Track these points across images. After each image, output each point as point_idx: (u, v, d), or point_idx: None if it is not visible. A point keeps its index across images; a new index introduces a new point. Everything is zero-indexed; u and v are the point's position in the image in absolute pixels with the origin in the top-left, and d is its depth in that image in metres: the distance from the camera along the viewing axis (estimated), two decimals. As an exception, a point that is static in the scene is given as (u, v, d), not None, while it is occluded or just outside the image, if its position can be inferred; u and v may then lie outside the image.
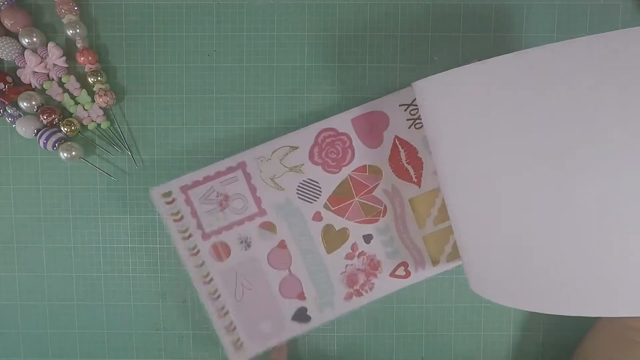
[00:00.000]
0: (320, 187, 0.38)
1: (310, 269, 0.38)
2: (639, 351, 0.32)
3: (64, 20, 0.37)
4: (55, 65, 0.38)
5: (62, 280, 0.40)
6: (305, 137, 0.38)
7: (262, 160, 0.37)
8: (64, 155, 0.38)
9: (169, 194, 0.37)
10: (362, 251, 0.38)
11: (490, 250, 0.29)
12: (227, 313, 0.38)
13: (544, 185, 0.26)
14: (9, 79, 0.38)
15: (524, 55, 0.25)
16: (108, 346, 0.41)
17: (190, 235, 0.37)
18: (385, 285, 0.38)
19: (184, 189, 0.37)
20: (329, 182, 0.38)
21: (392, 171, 0.38)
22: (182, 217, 0.37)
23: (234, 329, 0.38)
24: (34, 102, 0.38)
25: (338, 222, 0.38)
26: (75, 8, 0.37)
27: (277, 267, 0.38)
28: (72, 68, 0.39)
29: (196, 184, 0.37)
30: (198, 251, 0.38)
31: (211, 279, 0.38)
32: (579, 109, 0.24)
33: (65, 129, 0.38)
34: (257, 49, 0.39)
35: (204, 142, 0.39)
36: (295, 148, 0.37)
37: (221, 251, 0.38)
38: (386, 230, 0.38)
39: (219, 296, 0.38)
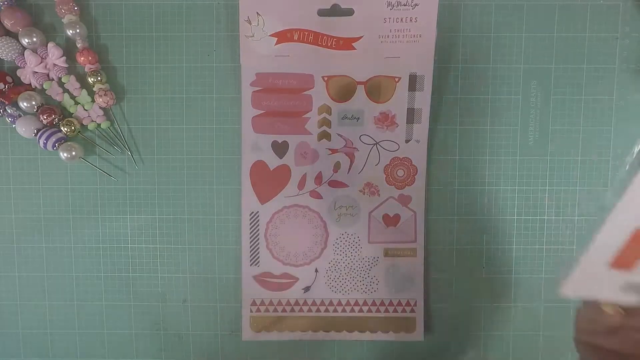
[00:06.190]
0: None
1: None
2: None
3: (64, 20, 0.37)
4: (55, 65, 0.38)
5: (62, 280, 0.40)
6: None
7: None
8: (64, 155, 0.38)
9: None
10: None
11: None
12: None
13: None
14: (9, 79, 0.38)
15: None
16: (108, 346, 0.41)
17: None
18: None
19: None
20: None
21: None
22: None
23: None
24: (34, 102, 0.38)
25: None
26: (75, 8, 0.37)
27: None
28: (72, 68, 0.39)
29: None
30: None
31: None
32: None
33: (65, 129, 0.38)
34: (257, 49, 0.39)
35: (203, 142, 0.39)
36: None
37: None
38: None
39: None
